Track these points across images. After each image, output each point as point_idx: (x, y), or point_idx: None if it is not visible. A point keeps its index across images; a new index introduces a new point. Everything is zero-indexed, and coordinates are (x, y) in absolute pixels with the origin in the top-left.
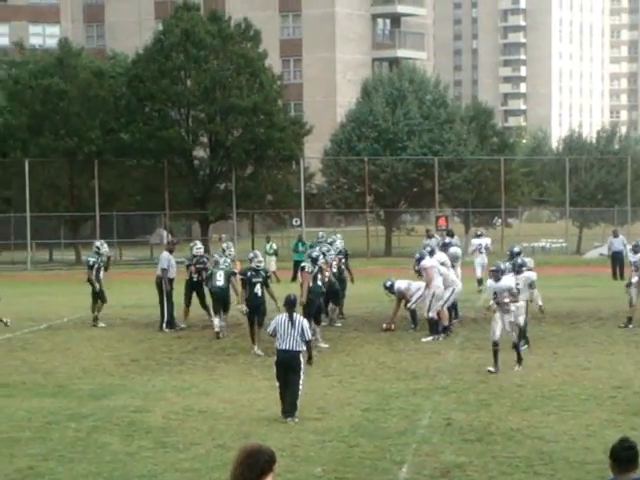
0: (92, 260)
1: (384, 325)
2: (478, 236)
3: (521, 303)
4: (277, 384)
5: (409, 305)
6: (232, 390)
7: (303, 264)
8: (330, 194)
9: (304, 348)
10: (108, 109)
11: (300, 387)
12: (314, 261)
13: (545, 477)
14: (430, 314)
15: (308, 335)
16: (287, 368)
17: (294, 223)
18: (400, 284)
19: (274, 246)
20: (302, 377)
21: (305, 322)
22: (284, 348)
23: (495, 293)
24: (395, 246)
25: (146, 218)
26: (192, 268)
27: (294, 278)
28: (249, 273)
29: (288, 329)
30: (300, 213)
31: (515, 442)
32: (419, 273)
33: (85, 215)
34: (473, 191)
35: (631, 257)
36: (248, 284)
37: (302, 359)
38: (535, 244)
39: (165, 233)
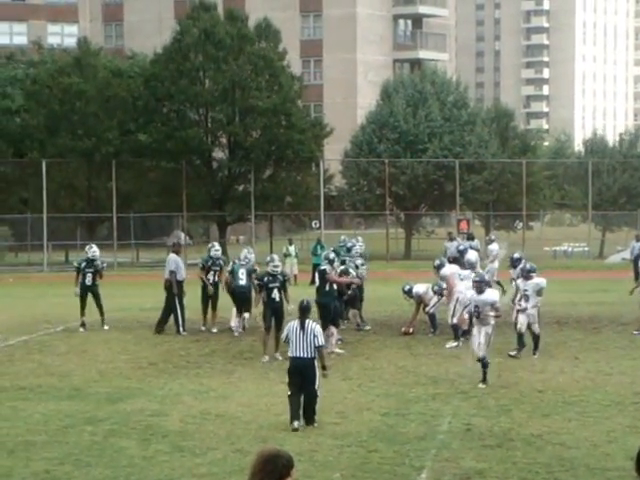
0: (77, 262)
1: (403, 329)
2: (492, 241)
3: (532, 311)
4: (289, 392)
5: (427, 309)
6: (250, 394)
7: (323, 267)
8: (350, 196)
9: (316, 355)
10: (126, 109)
11: (318, 393)
12: (331, 262)
13: None
14: (454, 320)
15: (320, 341)
16: (301, 376)
17: (313, 225)
18: (418, 288)
19: (295, 249)
20: (317, 383)
21: (318, 327)
22: (296, 355)
23: (477, 306)
24: (415, 249)
25: (163, 219)
26: (204, 274)
27: (312, 281)
28: (266, 278)
29: (299, 336)
30: (319, 215)
31: (535, 448)
32: (438, 293)
33: (102, 216)
34: (494, 194)
35: None
36: (265, 289)
37: (317, 366)
38: (557, 248)
39: (182, 235)
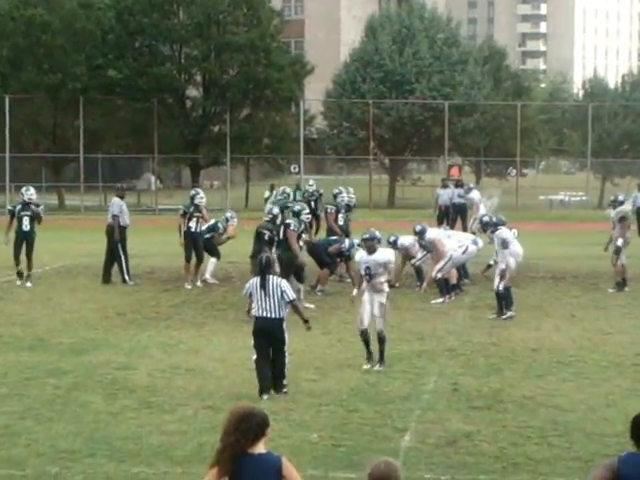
0: (11, 205)
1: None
2: (470, 189)
3: (501, 265)
4: (254, 356)
5: (414, 261)
6: (222, 348)
7: (288, 221)
8: (331, 139)
9: (284, 314)
10: (95, 43)
11: (286, 358)
12: (297, 215)
13: (560, 449)
14: (439, 275)
15: (289, 295)
16: (268, 338)
17: (292, 170)
18: (405, 240)
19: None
20: (287, 346)
21: (283, 282)
22: (260, 315)
23: (368, 268)
24: (399, 197)
25: (133, 162)
26: (184, 222)
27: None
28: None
29: (261, 294)
30: (299, 159)
31: (528, 411)
32: (425, 248)
33: (68, 157)
34: (486, 139)
35: None
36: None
37: (284, 326)
38: (553, 197)
39: (153, 178)
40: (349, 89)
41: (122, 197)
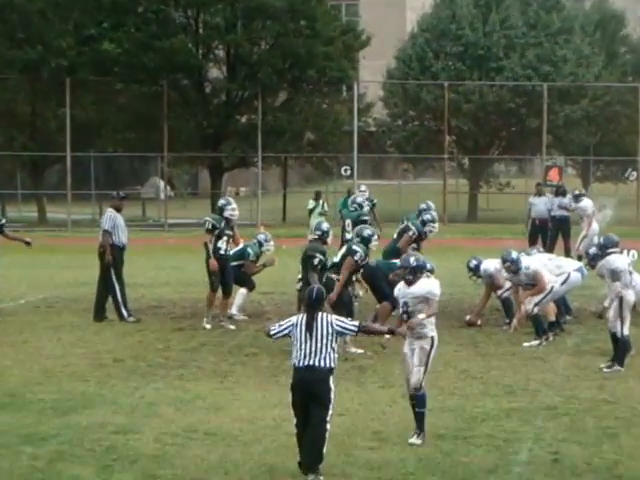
0: None
1: (467, 318)
2: (582, 197)
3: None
4: (295, 419)
5: (500, 292)
6: (252, 405)
7: (355, 247)
8: (394, 133)
9: (334, 364)
10: (86, 8)
11: (327, 427)
12: (366, 242)
13: None
14: (535, 309)
15: (351, 328)
16: (307, 395)
17: (343, 173)
18: (489, 264)
19: (325, 207)
20: (330, 411)
21: (334, 318)
22: (302, 364)
23: (405, 304)
24: (483, 208)
25: (136, 162)
26: (211, 239)
27: None
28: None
29: (306, 336)
30: (352, 159)
31: None
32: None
33: (51, 156)
34: (597, 132)
35: None
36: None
37: (331, 381)
38: None
39: (162, 184)
40: (417, 68)
41: (119, 209)
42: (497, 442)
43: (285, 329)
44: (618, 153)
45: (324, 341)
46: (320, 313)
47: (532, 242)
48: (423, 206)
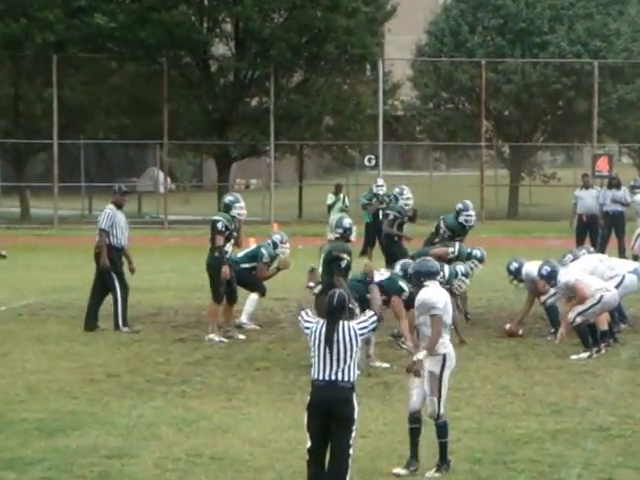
0: None
1: (507, 327)
2: (638, 189)
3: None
4: (308, 442)
5: (544, 299)
6: (263, 426)
7: (401, 284)
8: (424, 117)
9: (356, 378)
10: None
11: (351, 451)
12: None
13: None
14: (578, 319)
15: (367, 326)
16: (328, 416)
17: (367, 163)
18: (531, 267)
19: (347, 201)
20: (354, 433)
21: (356, 323)
22: (321, 378)
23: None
24: (525, 202)
25: (133, 151)
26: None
27: (364, 251)
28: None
29: (325, 349)
30: (376, 147)
31: None
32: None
33: (36, 143)
34: None
35: None
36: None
37: (355, 399)
38: None
39: (161, 175)
40: (450, 43)
41: (120, 205)
42: (541, 467)
43: (305, 328)
44: None
45: (347, 353)
46: (343, 322)
47: (580, 241)
48: (460, 206)
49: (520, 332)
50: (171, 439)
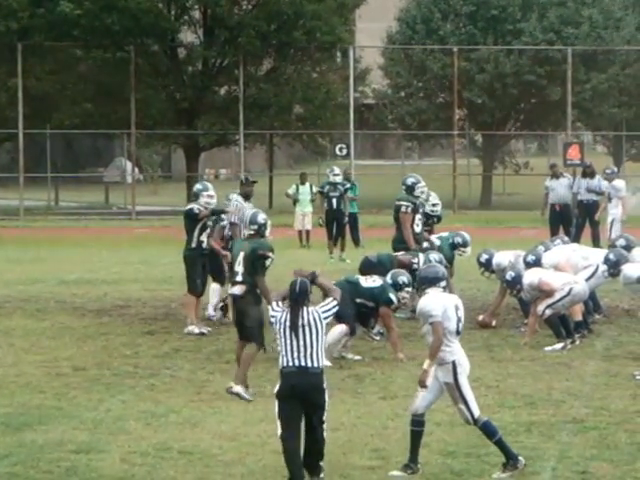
0: None
1: (480, 318)
2: (613, 174)
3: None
4: (281, 431)
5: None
6: (233, 419)
7: (391, 296)
8: (396, 106)
9: (325, 363)
10: None
11: (325, 430)
12: (398, 288)
13: None
14: (547, 312)
15: (327, 308)
16: (301, 401)
17: (337, 152)
18: (502, 258)
19: (314, 189)
20: (325, 414)
21: (319, 308)
22: (289, 365)
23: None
24: (498, 192)
25: (99, 140)
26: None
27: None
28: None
29: (291, 335)
30: (347, 136)
31: None
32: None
33: (1, 134)
34: (629, 104)
35: None
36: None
37: (325, 384)
38: None
39: (129, 165)
40: (422, 31)
41: (248, 196)
42: None
43: (271, 317)
44: None
45: (311, 337)
46: (305, 308)
47: (553, 231)
48: (412, 180)
49: (493, 323)
50: (139, 433)
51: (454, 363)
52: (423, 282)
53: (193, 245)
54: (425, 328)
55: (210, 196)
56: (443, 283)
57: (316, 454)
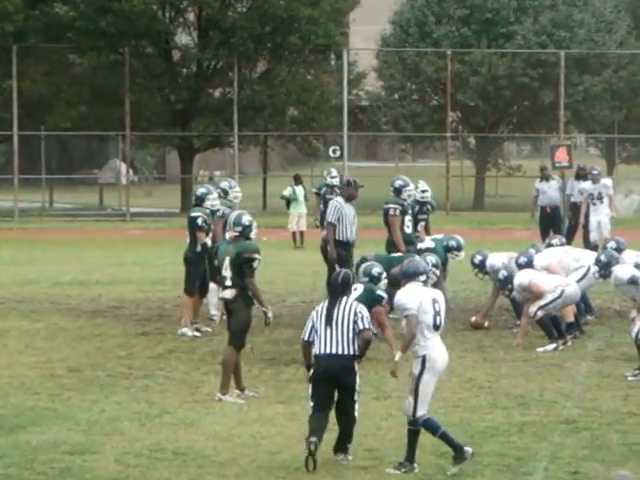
0: None
1: (473, 319)
2: (597, 176)
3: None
4: (311, 403)
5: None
6: (227, 420)
7: (380, 293)
8: (389, 109)
9: (357, 352)
10: None
11: (356, 412)
12: (376, 281)
13: None
14: (540, 313)
15: (363, 323)
16: (332, 384)
17: (331, 154)
18: (495, 259)
19: (303, 191)
20: (357, 397)
21: (360, 306)
22: (323, 352)
23: None
24: (491, 194)
25: (94, 142)
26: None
27: None
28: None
29: (325, 323)
30: (341, 138)
31: None
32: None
33: None
34: (621, 107)
35: None
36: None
37: (356, 368)
38: None
39: (123, 167)
40: (416, 34)
41: (352, 198)
42: (508, 461)
43: (311, 323)
44: None
45: (344, 326)
46: (345, 298)
47: (544, 233)
48: (399, 182)
49: (486, 324)
50: (133, 434)
51: (424, 357)
52: (403, 276)
53: (198, 249)
54: (403, 322)
55: (215, 199)
56: (423, 277)
57: (348, 435)
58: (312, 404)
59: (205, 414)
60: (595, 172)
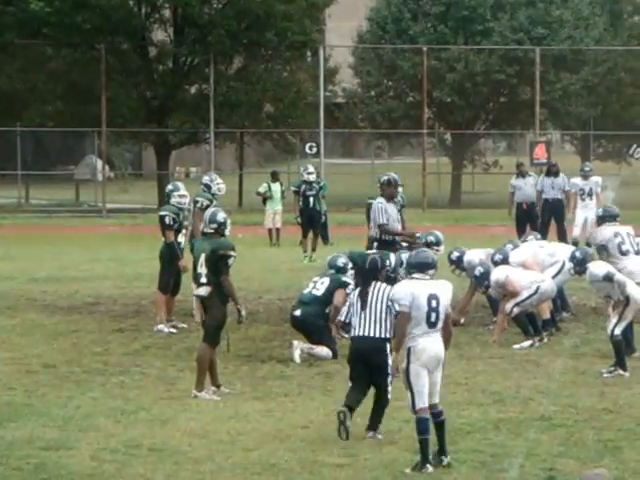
0: None
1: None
2: (589, 172)
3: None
4: (349, 383)
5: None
6: (203, 416)
7: (344, 279)
8: (366, 105)
9: (389, 333)
10: None
11: (389, 393)
12: (343, 271)
13: None
14: (515, 310)
15: (398, 305)
16: (368, 365)
17: (308, 151)
18: (473, 256)
19: (281, 188)
20: (390, 377)
21: (394, 290)
22: (359, 334)
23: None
24: (467, 190)
25: (70, 138)
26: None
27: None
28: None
29: (359, 306)
30: (317, 135)
31: None
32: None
33: None
34: (597, 104)
35: None
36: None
37: (388, 350)
38: None
39: (99, 163)
40: (392, 30)
41: (391, 197)
42: (484, 457)
43: (349, 306)
44: (621, 127)
45: (377, 309)
46: (377, 283)
47: (520, 230)
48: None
49: (462, 321)
50: (109, 430)
51: (408, 350)
52: (410, 266)
53: (169, 242)
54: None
55: (181, 195)
56: (432, 271)
57: (379, 415)
58: (350, 385)
59: (181, 410)
60: (587, 169)
